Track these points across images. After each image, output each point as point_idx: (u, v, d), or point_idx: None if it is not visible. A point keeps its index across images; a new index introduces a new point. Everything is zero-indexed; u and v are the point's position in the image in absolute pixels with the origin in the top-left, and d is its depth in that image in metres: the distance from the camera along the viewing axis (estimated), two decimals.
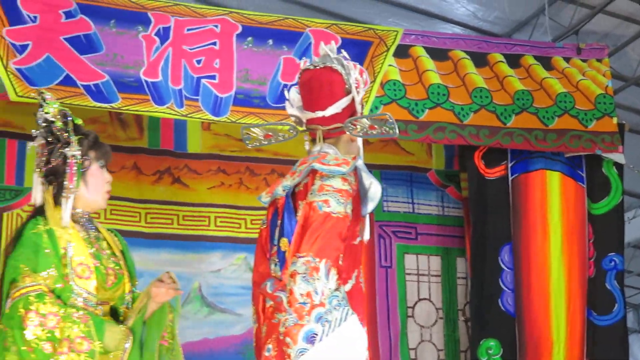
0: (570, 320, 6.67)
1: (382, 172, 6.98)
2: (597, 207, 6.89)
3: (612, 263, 6.81)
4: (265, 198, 4.01)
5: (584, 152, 6.73)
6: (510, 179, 6.78)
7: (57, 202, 3.69)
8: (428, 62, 6.41)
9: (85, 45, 5.65)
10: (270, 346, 3.69)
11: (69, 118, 3.82)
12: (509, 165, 6.78)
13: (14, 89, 5.46)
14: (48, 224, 3.61)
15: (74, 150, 3.74)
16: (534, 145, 6.53)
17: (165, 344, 3.82)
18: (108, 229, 3.94)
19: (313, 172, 3.74)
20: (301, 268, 3.48)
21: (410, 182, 7.08)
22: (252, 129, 4.13)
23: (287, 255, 3.66)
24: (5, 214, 6.27)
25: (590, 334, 6.72)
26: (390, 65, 6.27)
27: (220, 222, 6.55)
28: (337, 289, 3.53)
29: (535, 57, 6.74)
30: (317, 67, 3.90)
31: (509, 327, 6.66)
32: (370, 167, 7.12)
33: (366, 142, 7.12)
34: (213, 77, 5.87)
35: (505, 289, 6.72)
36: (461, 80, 6.45)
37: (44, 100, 3.84)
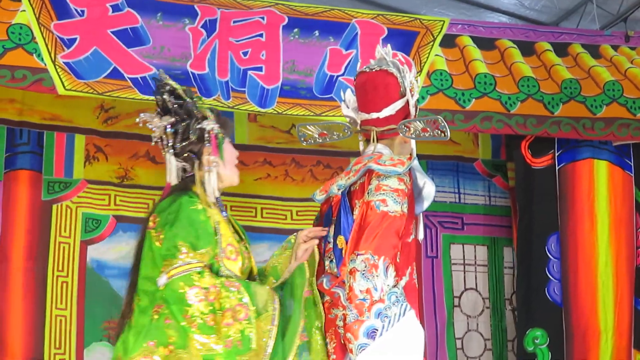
0: (618, 309, 6.64)
1: (428, 162, 6.98)
2: None
3: None
4: (319, 196, 4.11)
5: (632, 140, 6.67)
6: (557, 168, 6.75)
7: (200, 179, 3.73)
8: (475, 52, 6.38)
9: (132, 38, 5.67)
10: (328, 340, 3.85)
11: (190, 95, 3.81)
12: (556, 154, 6.74)
13: (62, 83, 5.50)
14: (201, 203, 3.65)
15: (212, 124, 3.75)
16: (582, 134, 6.49)
17: (308, 294, 3.85)
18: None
19: (369, 172, 3.83)
20: (360, 265, 3.59)
21: (457, 172, 7.07)
22: (307, 126, 4.23)
23: (343, 252, 3.74)
24: (54, 206, 6.36)
25: (638, 323, 6.69)
26: (436, 55, 6.25)
27: (267, 213, 6.59)
28: (395, 286, 3.64)
29: (583, 46, 6.68)
30: (373, 70, 3.99)
31: (556, 317, 6.64)
32: (417, 157, 7.18)
33: None
34: (259, 69, 5.88)
35: (552, 278, 6.70)
36: (508, 69, 6.42)
37: (162, 79, 3.81)
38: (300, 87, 5.97)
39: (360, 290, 3.57)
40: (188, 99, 3.76)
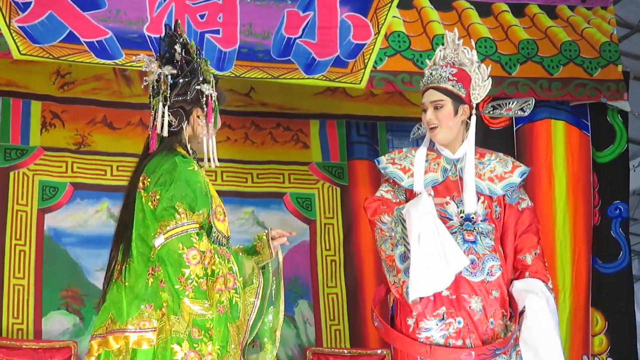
0: (576, 268, 6.68)
1: (387, 124, 7.00)
2: (602, 156, 6.88)
3: (617, 211, 6.81)
4: None
5: (589, 100, 6.70)
6: (514, 128, 6.76)
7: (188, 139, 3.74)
8: (432, 13, 6.36)
9: (88, 1, 5.59)
10: None
11: (202, 55, 3.78)
12: None
13: (17, 47, 5.44)
14: (196, 163, 3.63)
15: (211, 90, 3.73)
16: (539, 95, 6.50)
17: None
18: None
19: None
20: None
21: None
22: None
23: None
24: (11, 173, 6.32)
25: (595, 281, 6.74)
26: (394, 16, 6.22)
27: (227, 176, 6.57)
28: None
29: (540, 6, 6.67)
30: None
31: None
32: (376, 119, 7.18)
33: (370, 94, 7.16)
34: (217, 32, 5.84)
35: None
36: (465, 30, 6.41)
37: (176, 31, 3.77)
38: (258, 49, 5.93)
39: None
40: (197, 58, 3.75)
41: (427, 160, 4.47)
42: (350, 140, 7.01)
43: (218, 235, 3.65)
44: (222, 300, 3.46)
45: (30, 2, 5.46)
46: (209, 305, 3.44)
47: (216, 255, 3.50)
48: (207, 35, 5.81)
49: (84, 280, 6.28)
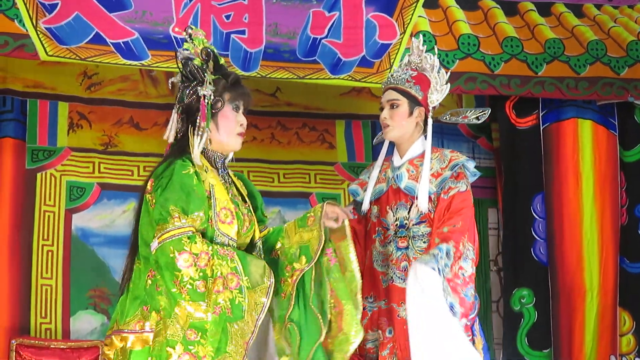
0: (603, 268, 6.67)
1: None
2: (630, 155, 6.86)
3: None
4: None
5: (616, 99, 6.68)
6: (541, 128, 6.75)
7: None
8: (458, 12, 6.36)
9: (114, 2, 5.61)
10: None
11: (211, 57, 3.79)
12: (541, 114, 6.75)
13: (45, 49, 5.47)
14: (194, 167, 3.63)
15: (205, 90, 3.72)
16: (566, 94, 6.49)
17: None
18: (235, 173, 3.97)
19: None
20: None
21: (441, 134, 7.05)
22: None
23: None
24: (39, 174, 6.34)
25: (623, 281, 6.72)
26: (420, 16, 6.22)
27: (254, 176, 6.57)
28: None
29: (566, 5, 6.66)
30: None
31: (542, 276, 6.67)
32: None
33: None
34: (242, 32, 5.85)
35: (538, 238, 6.73)
36: (491, 29, 6.40)
37: (190, 36, 3.80)
38: (284, 50, 5.93)
39: None
40: (197, 61, 3.76)
41: (380, 171, 4.50)
42: None
43: (223, 239, 3.65)
44: (218, 302, 3.45)
45: (57, 4, 5.48)
46: (207, 307, 3.45)
47: (215, 257, 3.49)
48: (232, 35, 5.82)
49: (111, 280, 6.30)
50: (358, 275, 3.81)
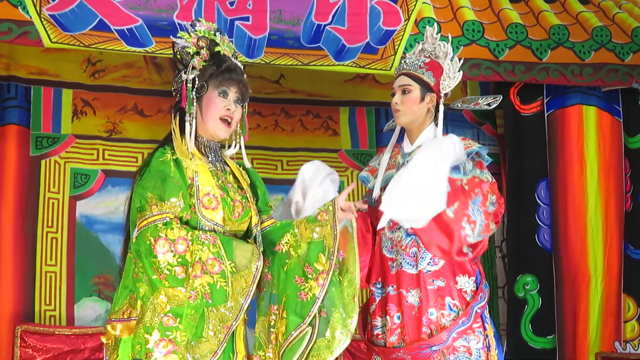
0: (607, 254, 6.67)
1: None
2: (634, 141, 6.86)
3: None
4: None
5: (621, 85, 6.67)
6: (546, 114, 6.75)
7: (182, 131, 3.71)
8: None
9: None
10: None
11: (206, 46, 3.78)
12: (545, 100, 6.74)
13: (48, 36, 5.46)
14: (175, 154, 3.63)
15: (189, 75, 3.72)
16: (570, 80, 6.48)
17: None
18: (239, 164, 3.94)
19: None
20: None
21: (445, 120, 6.98)
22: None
23: None
24: (43, 161, 6.35)
25: (627, 268, 6.72)
26: (424, 2, 6.21)
27: (257, 163, 6.56)
28: None
29: None
30: None
31: (546, 263, 6.67)
32: None
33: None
34: (246, 19, 5.83)
35: (542, 224, 6.73)
36: (496, 16, 6.39)
37: (192, 26, 3.82)
38: (288, 36, 5.92)
39: None
40: (189, 49, 3.76)
41: (390, 157, 4.48)
42: (380, 127, 6.99)
43: (208, 224, 3.63)
44: (195, 287, 3.45)
45: None
46: (186, 292, 3.46)
47: (195, 242, 3.48)
48: (236, 22, 5.81)
49: (115, 267, 6.22)
50: (357, 279, 3.76)
